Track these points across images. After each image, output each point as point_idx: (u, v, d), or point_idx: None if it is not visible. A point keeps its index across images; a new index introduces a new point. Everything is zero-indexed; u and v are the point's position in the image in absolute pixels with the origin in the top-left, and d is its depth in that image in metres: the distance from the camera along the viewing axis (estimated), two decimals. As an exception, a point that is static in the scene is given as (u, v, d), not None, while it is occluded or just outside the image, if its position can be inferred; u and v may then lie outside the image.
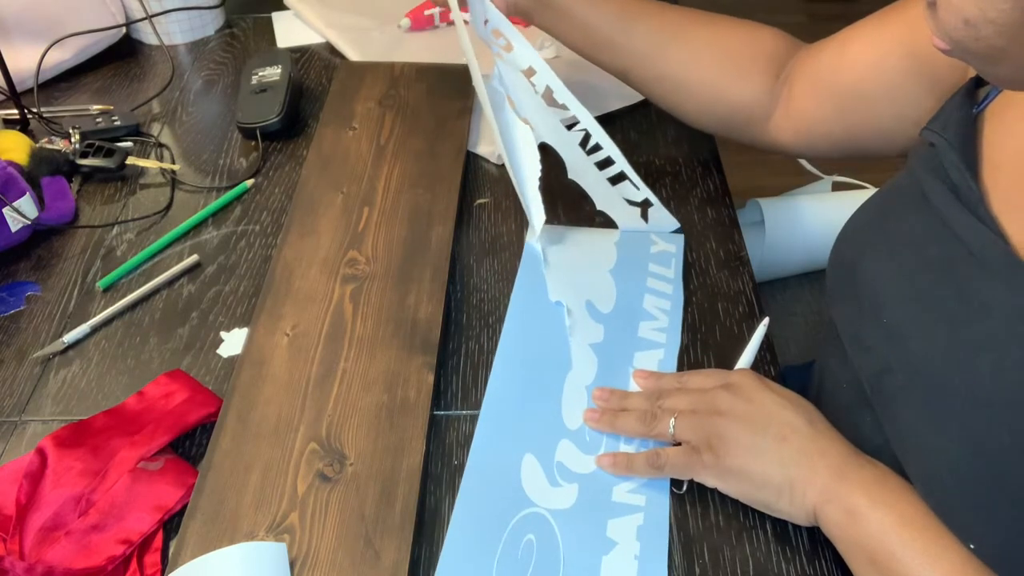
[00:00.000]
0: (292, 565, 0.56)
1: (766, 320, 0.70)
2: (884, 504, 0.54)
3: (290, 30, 1.10)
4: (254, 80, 0.95)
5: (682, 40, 0.79)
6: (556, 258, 0.76)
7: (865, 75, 0.71)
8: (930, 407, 0.54)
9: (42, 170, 0.85)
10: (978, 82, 0.60)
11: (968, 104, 0.59)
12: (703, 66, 0.79)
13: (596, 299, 0.73)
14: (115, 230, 0.83)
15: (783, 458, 0.58)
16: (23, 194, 0.79)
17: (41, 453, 0.62)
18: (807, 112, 0.76)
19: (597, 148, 0.78)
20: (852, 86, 0.72)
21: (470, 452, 0.63)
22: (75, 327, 0.73)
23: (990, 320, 0.51)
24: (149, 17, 1.04)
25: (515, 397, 0.67)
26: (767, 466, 0.58)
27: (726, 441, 0.59)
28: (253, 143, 0.92)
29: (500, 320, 0.73)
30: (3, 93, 0.93)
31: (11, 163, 0.81)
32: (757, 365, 0.69)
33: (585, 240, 0.79)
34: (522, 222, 0.83)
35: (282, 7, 1.13)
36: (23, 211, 0.79)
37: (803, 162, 1.08)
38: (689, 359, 0.70)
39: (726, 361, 0.70)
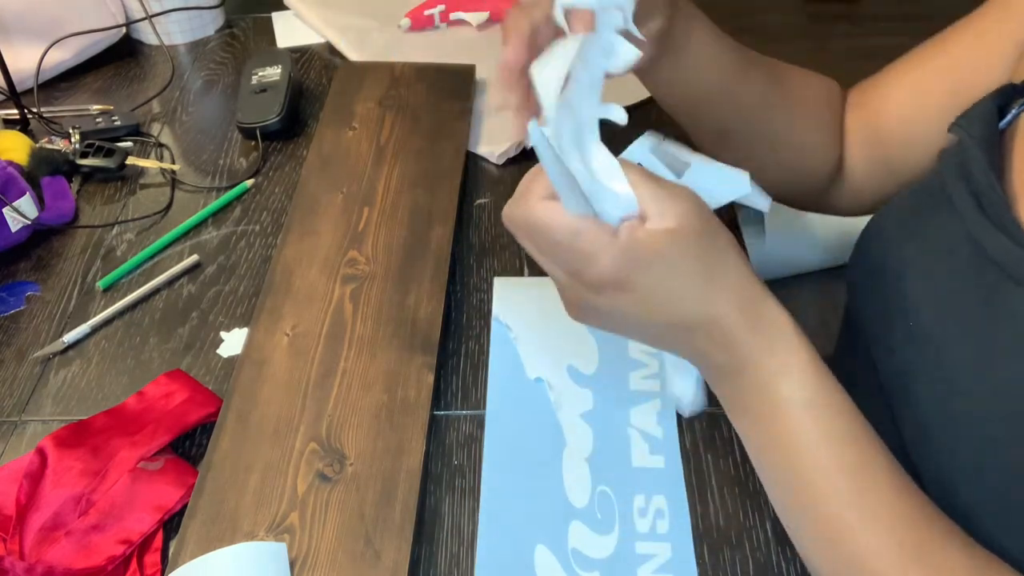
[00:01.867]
0: (292, 565, 0.56)
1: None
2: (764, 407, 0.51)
3: (290, 30, 1.10)
4: (254, 80, 0.95)
5: (787, 97, 0.71)
6: (526, 329, 0.71)
7: (910, 125, 0.68)
8: (953, 414, 0.53)
9: (42, 170, 0.85)
10: (1008, 92, 0.59)
11: (994, 109, 0.58)
12: (801, 130, 0.72)
13: (577, 361, 0.69)
14: (115, 230, 0.83)
15: (662, 348, 0.54)
16: (23, 194, 0.79)
17: (41, 453, 0.62)
18: (864, 181, 0.73)
19: None
20: (899, 141, 0.69)
21: (477, 549, 0.59)
22: (75, 327, 0.73)
23: (1018, 331, 0.50)
24: (149, 17, 1.04)
25: (514, 485, 0.62)
26: (637, 338, 0.55)
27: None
28: (253, 143, 0.92)
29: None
30: (3, 93, 0.93)
31: (11, 163, 0.81)
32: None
33: (553, 296, 0.72)
34: (522, 222, 0.83)
35: (282, 7, 1.13)
36: (23, 211, 0.79)
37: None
38: (689, 359, 0.70)
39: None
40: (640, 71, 0.65)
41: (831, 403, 0.50)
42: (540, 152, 0.46)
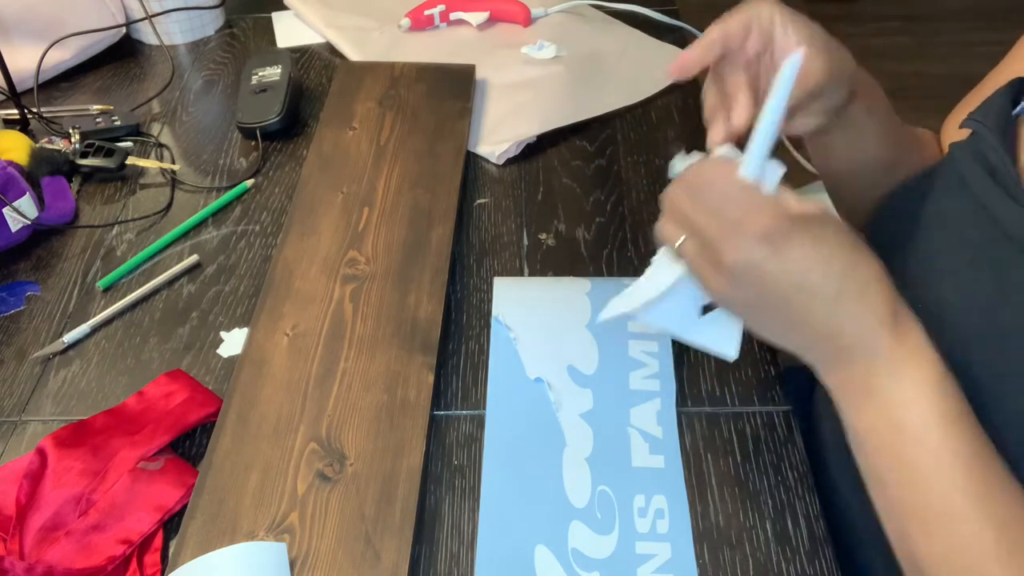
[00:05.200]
0: (292, 565, 0.56)
1: (798, 55, 0.53)
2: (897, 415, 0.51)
3: (290, 30, 1.10)
4: (254, 80, 0.95)
5: (927, 162, 0.71)
6: (526, 329, 0.71)
7: None
8: (964, 390, 0.54)
9: (42, 170, 0.85)
10: (1021, 85, 0.61)
11: (1008, 100, 0.60)
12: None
13: (578, 362, 0.69)
14: (115, 230, 0.83)
15: (791, 341, 0.53)
16: (23, 194, 0.79)
17: (41, 453, 0.62)
18: None
19: None
20: None
21: (477, 549, 0.59)
22: (75, 327, 0.73)
23: None
24: (149, 17, 1.04)
25: (514, 485, 0.62)
26: (776, 338, 0.54)
27: (733, 309, 0.55)
28: (253, 143, 0.92)
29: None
30: (3, 93, 0.93)
31: (11, 163, 0.81)
32: (756, 365, 0.69)
33: (553, 296, 0.74)
34: (522, 222, 0.83)
35: (282, 7, 1.13)
36: (23, 211, 0.79)
37: (802, 161, 1.08)
38: (689, 359, 0.70)
39: (727, 362, 0.70)
40: (809, 138, 0.69)
41: (957, 391, 0.50)
42: (779, 89, 0.52)
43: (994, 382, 0.53)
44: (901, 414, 0.50)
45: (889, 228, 0.65)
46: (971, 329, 0.55)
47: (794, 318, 0.51)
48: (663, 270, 0.56)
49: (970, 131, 0.61)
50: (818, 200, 0.72)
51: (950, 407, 0.50)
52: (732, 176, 0.52)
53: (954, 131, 0.68)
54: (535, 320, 0.72)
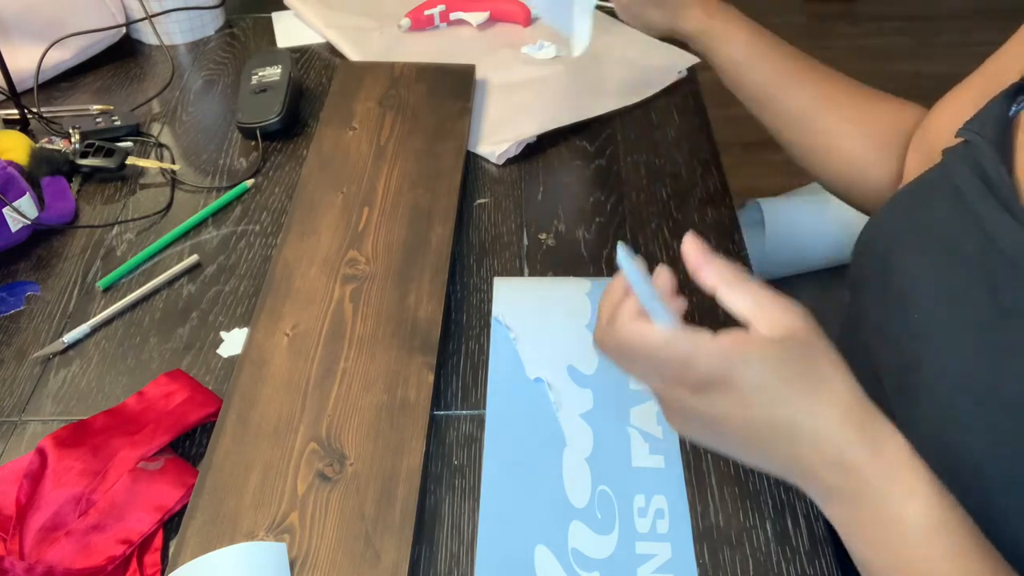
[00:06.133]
0: (292, 565, 0.56)
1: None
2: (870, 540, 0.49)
3: (290, 30, 1.10)
4: (254, 80, 0.95)
5: (832, 111, 0.78)
6: (526, 329, 0.72)
7: (950, 139, 0.69)
8: (955, 408, 0.53)
9: (42, 170, 0.85)
10: (1019, 88, 0.60)
11: (1006, 105, 0.59)
12: (849, 141, 0.78)
13: (578, 362, 0.69)
14: (115, 230, 0.83)
15: (774, 471, 0.52)
16: (23, 194, 0.79)
17: (41, 453, 0.62)
18: None
19: None
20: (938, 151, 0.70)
21: (477, 549, 0.59)
22: (75, 327, 0.73)
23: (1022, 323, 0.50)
24: (149, 17, 1.04)
25: (514, 485, 0.62)
26: (747, 461, 0.53)
27: (706, 446, 0.54)
28: (253, 143, 0.92)
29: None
30: (3, 93, 0.93)
31: (11, 163, 0.81)
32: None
33: (553, 296, 0.75)
34: (522, 222, 0.83)
35: (282, 7, 1.13)
36: (23, 211, 0.79)
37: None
38: (689, 359, 0.70)
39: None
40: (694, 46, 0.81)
41: (957, 521, 0.48)
42: (628, 272, 0.48)
43: (987, 406, 0.52)
44: (894, 535, 0.48)
45: (880, 241, 0.64)
46: (965, 350, 0.53)
47: (759, 455, 0.50)
48: None
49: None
50: (820, 196, 0.70)
51: (941, 516, 0.47)
52: (651, 335, 0.49)
53: (948, 125, 0.68)
54: (535, 320, 0.72)
